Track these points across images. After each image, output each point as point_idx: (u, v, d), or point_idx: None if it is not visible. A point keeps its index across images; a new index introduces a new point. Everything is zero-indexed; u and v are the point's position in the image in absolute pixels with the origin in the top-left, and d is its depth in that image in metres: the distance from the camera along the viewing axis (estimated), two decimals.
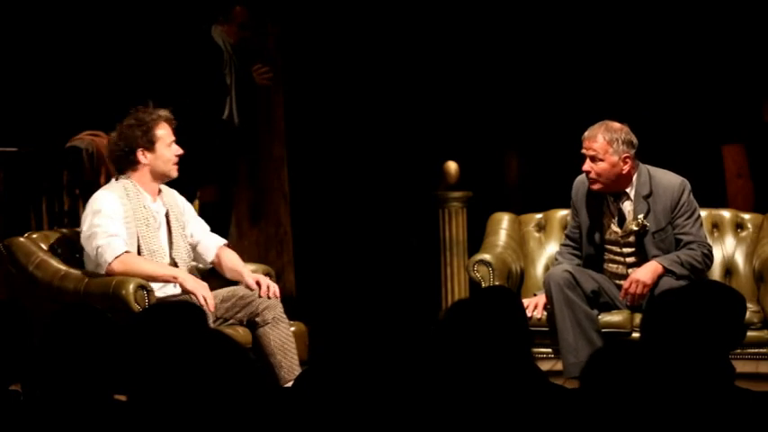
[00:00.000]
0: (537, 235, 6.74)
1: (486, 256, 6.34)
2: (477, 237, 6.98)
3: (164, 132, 5.82)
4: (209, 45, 7.73)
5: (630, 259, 6.11)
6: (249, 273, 5.90)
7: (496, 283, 6.20)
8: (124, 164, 5.84)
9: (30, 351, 3.36)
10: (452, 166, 7.66)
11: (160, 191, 5.89)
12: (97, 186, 8.01)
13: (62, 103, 8.65)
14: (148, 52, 8.19)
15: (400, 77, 8.96)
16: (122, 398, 3.20)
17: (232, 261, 5.96)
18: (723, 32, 8.40)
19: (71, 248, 6.10)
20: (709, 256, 6.04)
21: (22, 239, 6.03)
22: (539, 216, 6.80)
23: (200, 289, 5.61)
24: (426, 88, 8.95)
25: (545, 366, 6.07)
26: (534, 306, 6.07)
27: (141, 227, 5.76)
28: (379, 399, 3.40)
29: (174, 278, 5.66)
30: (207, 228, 6.07)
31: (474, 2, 8.92)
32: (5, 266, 6.02)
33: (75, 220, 7.84)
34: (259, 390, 2.98)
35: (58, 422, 3.16)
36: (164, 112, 5.88)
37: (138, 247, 5.74)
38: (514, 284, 6.43)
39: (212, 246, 6.00)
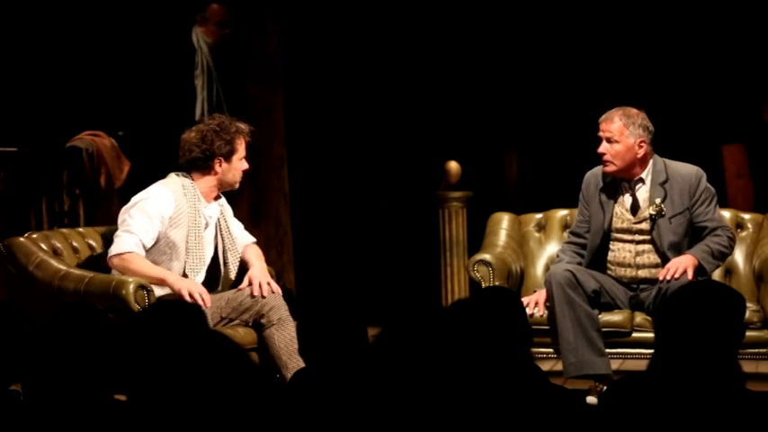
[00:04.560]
0: (537, 235, 6.74)
1: (486, 256, 6.34)
2: (477, 237, 6.97)
3: (242, 147, 5.89)
4: (178, 47, 7.72)
5: (640, 247, 6.10)
6: (251, 272, 5.89)
7: (496, 283, 6.20)
8: (195, 165, 5.84)
9: (30, 351, 3.36)
10: (453, 165, 7.66)
11: (218, 196, 5.93)
12: (97, 186, 8.05)
13: (62, 103, 8.66)
14: (135, 55, 8.21)
15: (400, 77, 8.96)
16: (122, 398, 3.20)
17: (248, 257, 6.00)
18: (723, 32, 8.41)
19: (71, 248, 6.11)
20: (733, 239, 6.13)
21: (22, 239, 6.03)
22: (539, 216, 6.80)
23: (188, 287, 5.61)
24: (426, 88, 8.95)
25: (545, 366, 6.06)
26: (534, 303, 6.06)
27: (192, 227, 5.78)
28: (379, 398, 3.40)
29: (164, 280, 5.66)
30: (241, 226, 6.15)
31: (474, 2, 8.92)
32: (5, 266, 6.02)
33: (76, 220, 7.85)
34: (257, 390, 2.98)
35: (58, 422, 3.16)
36: (244, 126, 5.93)
37: (187, 246, 5.77)
38: (514, 284, 6.43)
39: (241, 243, 6.05)
